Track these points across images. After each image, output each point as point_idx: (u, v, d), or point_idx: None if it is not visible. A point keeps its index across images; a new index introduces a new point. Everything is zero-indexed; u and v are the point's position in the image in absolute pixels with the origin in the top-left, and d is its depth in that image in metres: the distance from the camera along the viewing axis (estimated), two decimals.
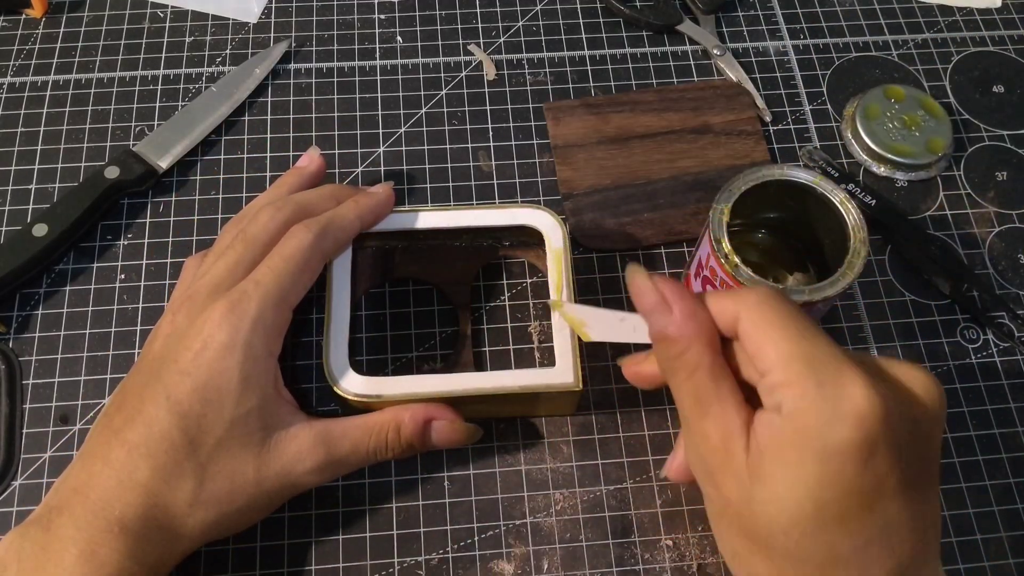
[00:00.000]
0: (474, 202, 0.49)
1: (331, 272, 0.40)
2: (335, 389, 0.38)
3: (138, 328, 0.45)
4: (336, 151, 0.51)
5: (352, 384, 0.38)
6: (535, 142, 0.52)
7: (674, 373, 0.31)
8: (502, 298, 0.46)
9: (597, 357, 0.44)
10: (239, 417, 0.35)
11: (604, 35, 0.56)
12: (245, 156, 0.51)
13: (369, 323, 0.45)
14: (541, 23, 0.56)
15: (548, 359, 0.44)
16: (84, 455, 0.35)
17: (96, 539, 0.32)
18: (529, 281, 0.47)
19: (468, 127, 0.52)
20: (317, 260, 0.38)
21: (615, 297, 0.47)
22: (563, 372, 0.39)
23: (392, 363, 0.45)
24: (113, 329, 0.45)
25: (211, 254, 0.39)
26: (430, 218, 0.42)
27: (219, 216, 0.49)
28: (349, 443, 0.37)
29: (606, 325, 0.36)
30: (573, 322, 0.37)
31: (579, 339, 0.38)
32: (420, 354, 0.45)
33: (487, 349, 0.45)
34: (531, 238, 0.44)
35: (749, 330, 0.30)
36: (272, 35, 0.55)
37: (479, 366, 0.44)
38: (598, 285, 0.47)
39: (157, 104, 0.52)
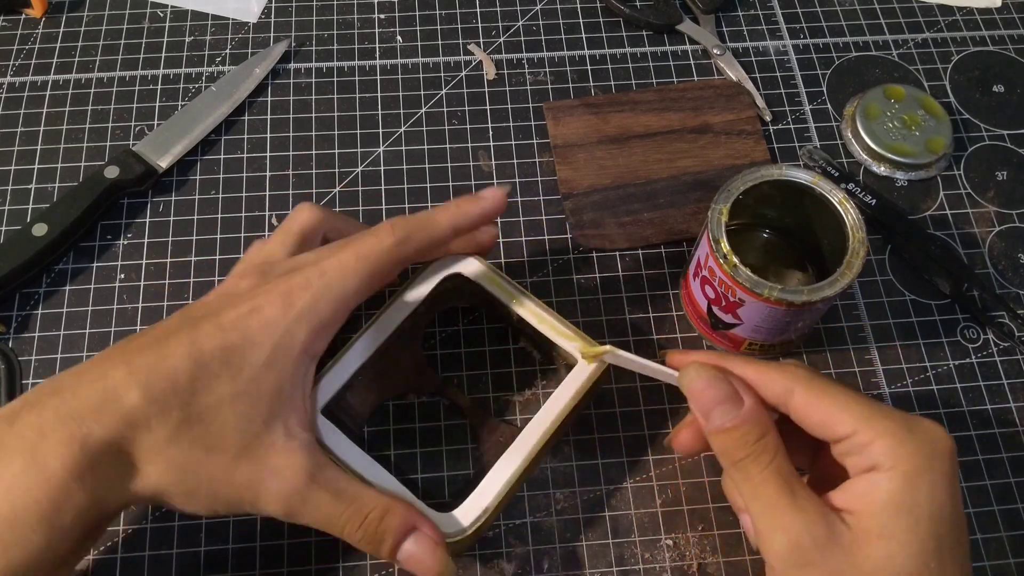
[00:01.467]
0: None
1: (381, 316, 0.39)
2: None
3: (138, 328, 0.45)
4: (336, 151, 0.51)
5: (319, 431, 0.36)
6: (535, 142, 0.52)
7: (755, 459, 0.31)
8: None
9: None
10: (248, 394, 0.33)
11: (604, 35, 0.56)
12: (245, 156, 0.51)
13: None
14: (541, 23, 0.56)
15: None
16: (89, 362, 0.33)
17: (52, 450, 0.30)
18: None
19: (468, 127, 0.52)
20: (392, 265, 0.36)
21: (615, 296, 0.47)
22: (461, 515, 0.36)
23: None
24: (113, 329, 0.45)
25: (279, 231, 0.39)
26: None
27: (219, 216, 0.49)
28: (330, 495, 0.34)
29: (640, 368, 0.36)
30: (600, 354, 0.37)
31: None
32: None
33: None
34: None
35: (812, 401, 0.32)
36: (272, 35, 0.55)
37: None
38: (598, 285, 0.47)
39: (157, 104, 0.52)
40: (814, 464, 0.36)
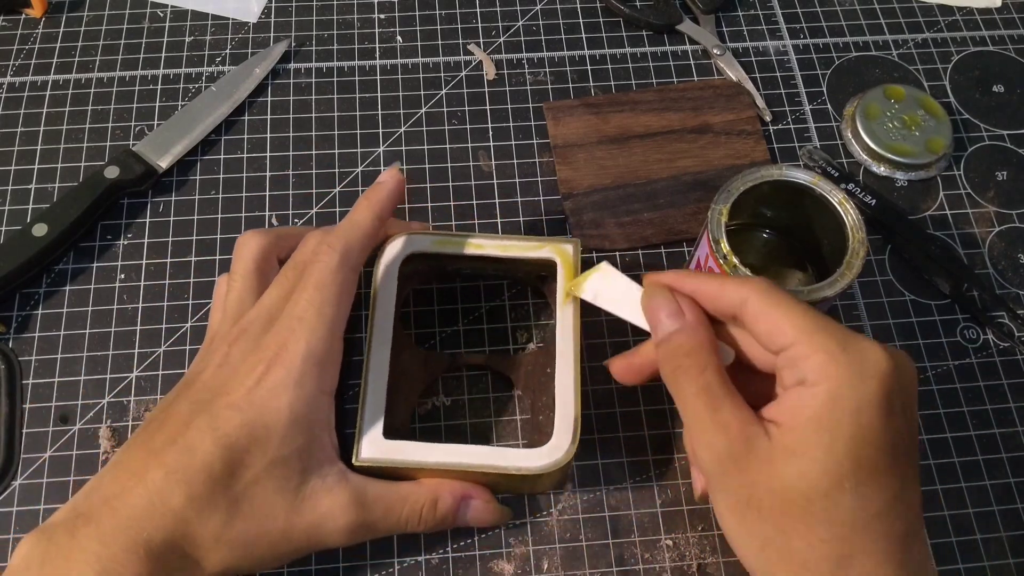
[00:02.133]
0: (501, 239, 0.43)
1: (371, 335, 0.40)
2: (353, 461, 0.37)
3: (138, 328, 0.45)
4: (336, 151, 0.51)
5: (371, 450, 0.37)
6: (535, 142, 0.52)
7: (685, 371, 0.33)
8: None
9: (598, 357, 0.44)
10: (281, 458, 0.34)
11: (604, 35, 0.56)
12: (245, 156, 0.51)
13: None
14: (541, 23, 0.56)
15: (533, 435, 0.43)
16: (118, 467, 0.34)
17: (119, 558, 0.32)
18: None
19: (468, 127, 0.52)
20: (349, 278, 0.37)
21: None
22: (557, 448, 0.38)
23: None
24: (113, 329, 0.45)
25: (235, 275, 0.39)
26: (460, 246, 0.42)
27: (219, 216, 0.49)
28: (382, 509, 0.36)
29: (616, 297, 0.38)
30: (581, 283, 0.39)
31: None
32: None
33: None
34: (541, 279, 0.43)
35: (763, 310, 0.32)
36: (272, 35, 0.55)
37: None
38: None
39: (157, 104, 0.52)
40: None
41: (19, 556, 0.32)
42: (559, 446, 0.38)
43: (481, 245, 0.42)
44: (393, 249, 0.41)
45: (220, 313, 0.39)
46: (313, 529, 0.35)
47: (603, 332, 0.46)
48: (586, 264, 0.41)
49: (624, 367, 0.38)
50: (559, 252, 0.42)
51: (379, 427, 0.38)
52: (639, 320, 0.37)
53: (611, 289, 0.39)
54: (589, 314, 0.42)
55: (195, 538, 0.33)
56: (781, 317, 0.31)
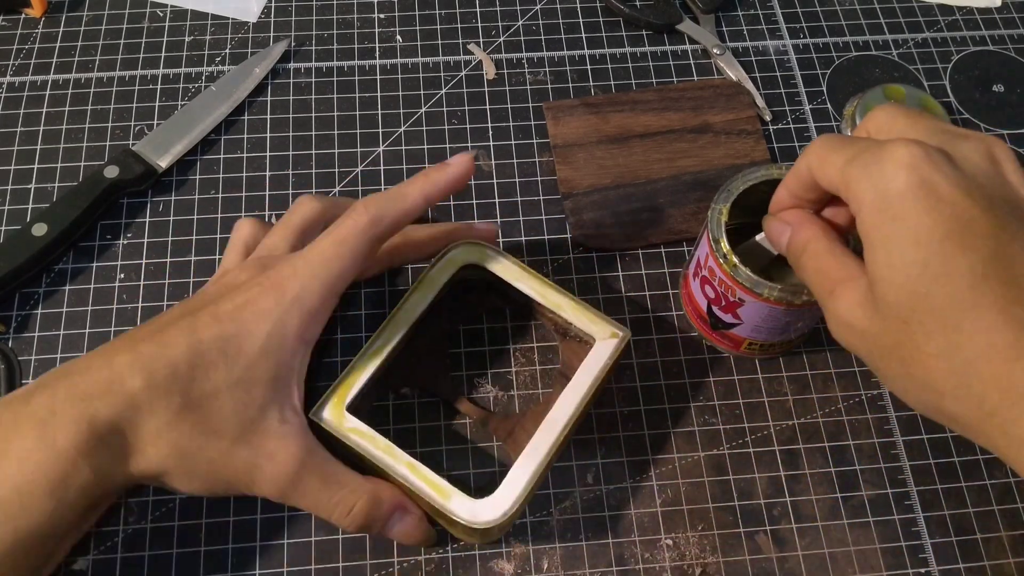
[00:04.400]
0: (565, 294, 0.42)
1: (404, 305, 0.40)
2: (310, 413, 0.37)
3: None
4: (336, 150, 0.51)
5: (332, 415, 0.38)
6: (535, 141, 0.52)
7: (806, 252, 0.35)
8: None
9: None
10: (244, 380, 0.34)
11: (604, 34, 0.56)
12: (245, 156, 0.51)
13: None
14: (541, 22, 0.56)
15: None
16: (98, 349, 0.35)
17: (61, 427, 0.32)
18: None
19: (468, 127, 0.52)
20: (370, 243, 0.37)
21: (615, 296, 0.47)
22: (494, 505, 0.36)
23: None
24: (113, 329, 0.45)
25: (280, 225, 0.40)
26: (519, 281, 0.41)
27: (219, 216, 0.49)
28: (320, 479, 0.36)
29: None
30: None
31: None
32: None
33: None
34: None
35: (815, 164, 0.33)
36: (272, 34, 0.55)
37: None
38: (598, 285, 0.47)
39: (156, 103, 0.52)
40: None
41: None
42: (500, 505, 0.36)
43: (544, 295, 0.41)
44: (460, 252, 0.41)
45: (235, 254, 0.40)
46: (252, 465, 0.35)
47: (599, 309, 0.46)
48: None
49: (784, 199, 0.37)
50: (604, 334, 0.40)
51: (350, 396, 0.38)
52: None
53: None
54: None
55: (139, 426, 0.33)
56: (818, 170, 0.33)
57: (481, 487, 0.42)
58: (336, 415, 0.38)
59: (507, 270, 0.41)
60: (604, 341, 0.40)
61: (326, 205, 0.41)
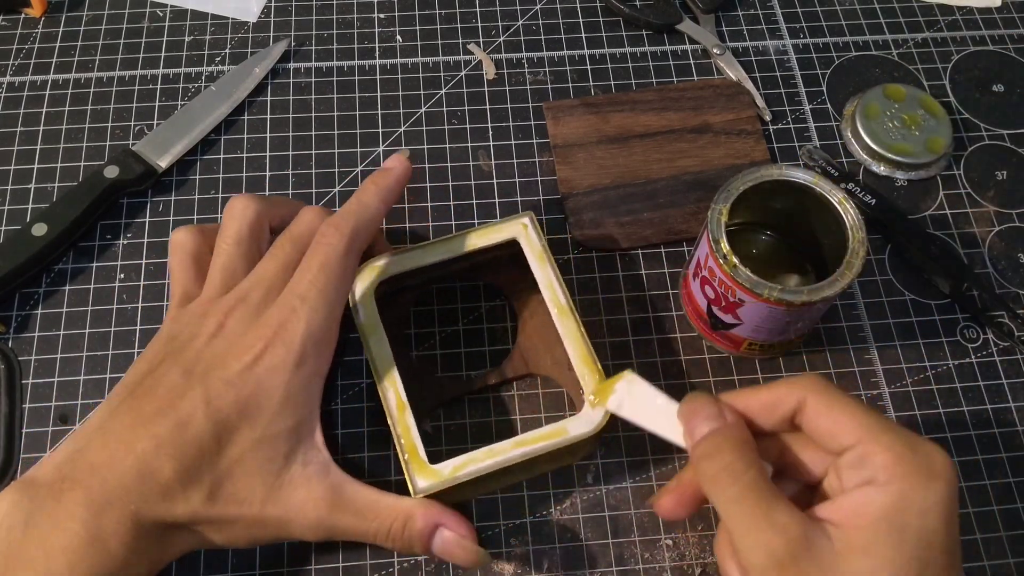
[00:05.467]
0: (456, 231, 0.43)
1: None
2: (412, 494, 0.37)
3: (137, 327, 0.45)
4: (335, 150, 0.51)
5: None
6: (535, 141, 0.52)
7: (729, 471, 0.31)
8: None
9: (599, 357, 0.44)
10: (268, 436, 0.34)
11: (604, 34, 0.56)
12: (244, 155, 0.51)
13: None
14: (541, 22, 0.56)
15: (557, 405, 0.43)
16: (106, 433, 0.34)
17: (108, 528, 0.32)
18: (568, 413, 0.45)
19: (468, 126, 0.52)
20: (353, 263, 0.38)
21: (615, 296, 0.47)
22: (427, 475, 0.37)
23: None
24: (112, 329, 0.45)
25: (229, 239, 0.39)
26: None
27: (218, 216, 0.49)
28: (353, 513, 0.36)
29: (650, 411, 0.36)
30: (613, 384, 0.37)
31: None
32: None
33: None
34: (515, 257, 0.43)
35: (824, 409, 0.32)
36: (271, 34, 0.55)
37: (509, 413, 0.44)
38: (598, 285, 0.47)
39: (156, 103, 0.52)
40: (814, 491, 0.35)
41: (0, 513, 0.32)
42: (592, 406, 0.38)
43: (445, 248, 0.42)
44: (363, 283, 0.41)
45: (187, 272, 0.39)
46: (285, 520, 0.35)
47: (599, 309, 0.46)
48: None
49: (673, 502, 0.35)
50: (518, 228, 0.42)
51: (422, 453, 0.37)
52: (670, 434, 0.35)
53: (638, 399, 0.36)
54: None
55: (177, 514, 0.33)
56: (844, 415, 0.31)
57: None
58: (426, 480, 0.37)
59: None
60: (587, 412, 0.38)
61: (265, 205, 0.40)
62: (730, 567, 0.33)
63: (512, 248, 0.42)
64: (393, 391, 0.38)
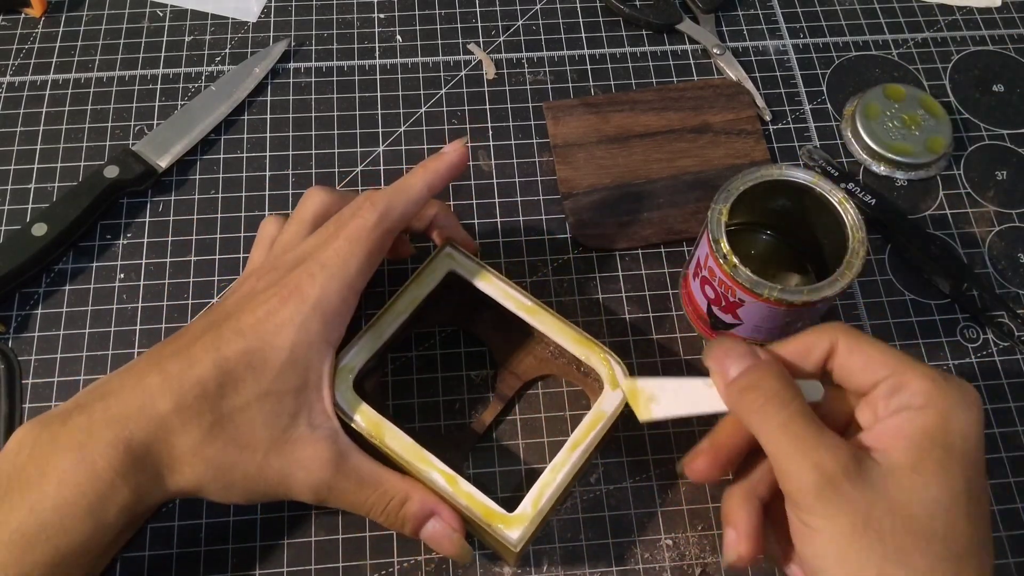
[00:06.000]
0: (563, 318, 0.40)
1: (407, 287, 0.40)
2: (336, 399, 0.37)
3: (137, 327, 0.45)
4: (335, 150, 0.51)
5: (339, 393, 0.37)
6: (535, 141, 0.52)
7: (782, 403, 0.31)
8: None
9: None
10: (274, 392, 0.35)
11: (604, 34, 0.56)
12: (244, 155, 0.51)
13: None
14: (541, 22, 0.56)
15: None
16: (128, 369, 0.35)
17: (99, 450, 0.33)
18: (569, 414, 0.43)
19: (468, 126, 0.52)
20: (383, 238, 0.37)
21: (615, 296, 0.47)
22: (514, 523, 0.36)
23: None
24: (112, 328, 0.45)
25: (293, 221, 0.40)
26: (514, 300, 0.40)
27: (218, 215, 0.49)
28: (355, 481, 0.36)
29: (674, 395, 0.36)
30: (636, 396, 0.36)
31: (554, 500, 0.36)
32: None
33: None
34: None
35: (854, 348, 0.33)
36: (271, 34, 0.55)
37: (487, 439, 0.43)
38: (598, 285, 0.47)
39: (156, 103, 0.52)
40: None
41: (14, 440, 0.34)
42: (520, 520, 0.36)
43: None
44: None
45: (262, 251, 0.40)
46: (286, 473, 0.35)
47: (599, 309, 0.46)
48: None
49: (707, 463, 0.35)
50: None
51: (495, 507, 0.36)
52: (713, 405, 0.34)
53: (667, 392, 0.36)
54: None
55: (174, 446, 0.34)
56: (876, 351, 0.32)
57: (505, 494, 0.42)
58: (519, 521, 0.36)
59: (491, 287, 0.40)
60: (612, 392, 0.38)
61: (335, 197, 0.41)
62: (732, 519, 0.34)
63: (446, 282, 0.41)
64: (436, 471, 0.37)
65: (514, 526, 0.36)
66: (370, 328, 0.39)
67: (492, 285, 0.41)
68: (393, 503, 0.36)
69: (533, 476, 0.38)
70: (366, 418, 0.37)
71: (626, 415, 0.38)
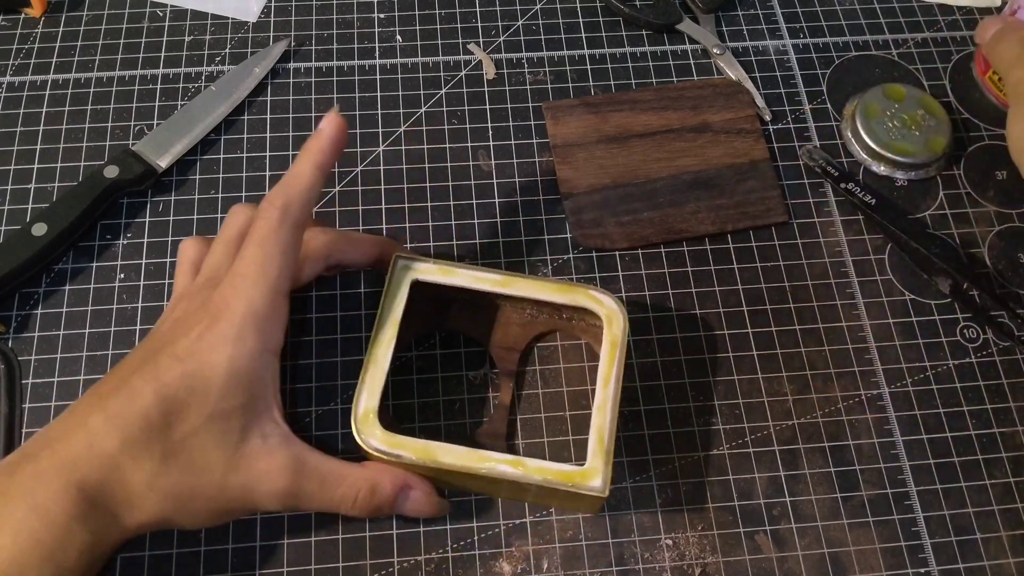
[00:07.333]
0: (536, 275, 0.43)
1: (381, 312, 0.40)
2: (357, 439, 0.37)
3: (137, 327, 0.45)
4: None
5: (373, 437, 0.37)
6: (535, 141, 0.52)
7: None
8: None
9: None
10: (220, 412, 0.34)
11: (604, 34, 0.56)
12: (244, 155, 0.51)
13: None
14: (541, 22, 0.56)
15: (581, 454, 0.42)
16: (70, 413, 0.35)
17: (51, 496, 0.32)
18: (587, 364, 0.45)
19: (468, 126, 0.52)
20: (292, 233, 0.37)
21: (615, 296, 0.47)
22: (591, 474, 0.37)
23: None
24: (112, 329, 0.45)
25: (219, 241, 0.40)
26: (487, 281, 0.41)
27: (218, 216, 0.49)
28: (317, 481, 0.36)
29: None
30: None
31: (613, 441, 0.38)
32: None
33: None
34: (593, 319, 0.42)
35: None
36: (271, 34, 0.55)
37: (510, 437, 0.43)
38: (598, 285, 0.47)
39: (156, 103, 0.52)
40: None
41: None
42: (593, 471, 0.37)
43: (502, 282, 0.41)
44: (401, 274, 0.40)
45: (185, 275, 0.40)
46: (248, 488, 0.35)
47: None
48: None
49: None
50: (616, 307, 0.41)
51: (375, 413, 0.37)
52: None
53: None
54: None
55: (128, 484, 0.34)
56: None
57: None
58: (384, 436, 0.37)
59: (458, 279, 0.41)
60: (613, 316, 0.40)
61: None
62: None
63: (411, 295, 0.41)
64: (499, 463, 0.37)
65: (593, 477, 0.37)
66: (369, 364, 0.39)
67: (459, 276, 0.41)
68: (362, 494, 0.36)
69: (579, 430, 0.41)
70: (411, 449, 0.37)
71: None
